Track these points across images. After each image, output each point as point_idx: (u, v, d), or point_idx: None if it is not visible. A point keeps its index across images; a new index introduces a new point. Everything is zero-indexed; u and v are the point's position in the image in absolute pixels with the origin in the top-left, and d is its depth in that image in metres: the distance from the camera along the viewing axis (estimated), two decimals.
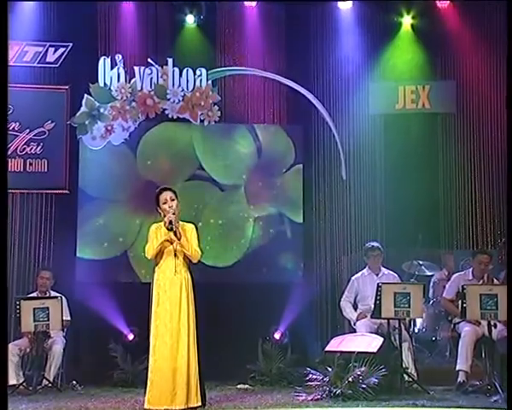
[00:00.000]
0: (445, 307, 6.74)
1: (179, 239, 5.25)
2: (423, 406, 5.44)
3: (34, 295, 6.85)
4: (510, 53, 5.60)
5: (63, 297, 6.57)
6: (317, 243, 7.86)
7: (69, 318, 6.80)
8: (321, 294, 7.74)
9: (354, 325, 6.64)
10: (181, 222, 5.43)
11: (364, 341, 5.97)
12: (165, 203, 5.38)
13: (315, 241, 7.86)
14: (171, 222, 5.26)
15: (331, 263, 7.83)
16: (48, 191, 7.60)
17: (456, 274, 6.72)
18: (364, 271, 6.87)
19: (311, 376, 5.79)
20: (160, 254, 5.41)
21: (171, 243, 5.35)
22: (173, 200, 5.37)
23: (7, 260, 4.85)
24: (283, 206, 7.93)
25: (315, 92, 7.93)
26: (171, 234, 5.28)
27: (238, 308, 7.43)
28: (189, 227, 5.45)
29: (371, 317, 6.40)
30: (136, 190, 7.80)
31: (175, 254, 5.36)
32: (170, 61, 7.79)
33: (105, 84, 7.73)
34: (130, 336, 7.38)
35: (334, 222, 7.90)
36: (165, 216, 5.38)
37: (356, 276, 6.85)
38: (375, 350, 5.80)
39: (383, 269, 6.86)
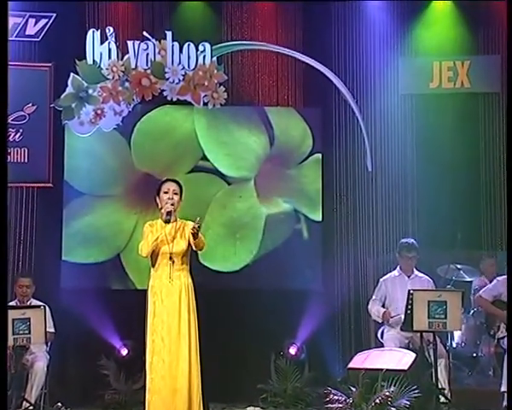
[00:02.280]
0: (484, 308, 6.69)
1: (195, 238, 5.23)
2: None
3: (13, 304, 6.83)
4: (510, 53, 5.92)
5: (46, 307, 6.57)
6: (338, 245, 7.87)
7: (53, 330, 6.80)
8: (343, 302, 7.74)
9: (381, 336, 6.65)
10: (181, 220, 5.46)
11: (393, 357, 5.97)
12: (166, 193, 5.42)
13: (336, 242, 7.87)
14: (169, 213, 5.30)
15: (355, 267, 7.82)
16: (28, 185, 7.59)
17: (502, 277, 6.66)
18: (395, 272, 6.91)
19: (331, 397, 5.75)
20: (155, 256, 5.43)
21: (167, 243, 5.38)
22: (176, 194, 5.42)
23: (7, 260, 4.90)
24: (299, 202, 7.94)
25: (335, 70, 7.90)
26: (190, 236, 5.28)
27: (247, 319, 7.44)
28: (189, 226, 5.44)
29: (401, 329, 6.40)
30: (130, 184, 7.82)
31: (170, 257, 5.38)
32: (169, 34, 7.76)
33: (94, 61, 7.71)
34: (124, 352, 7.39)
35: (357, 220, 7.89)
36: (162, 208, 5.43)
37: (385, 277, 6.90)
38: (405, 368, 5.79)
39: (416, 271, 6.88)
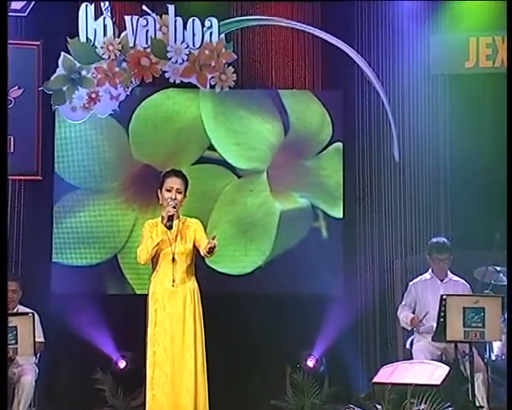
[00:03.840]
0: None
1: (210, 253, 5.26)
2: None
3: None
4: (510, 52, 6.25)
5: (35, 314, 6.55)
6: (362, 244, 7.85)
7: (42, 339, 6.80)
8: (367, 309, 7.74)
9: (410, 347, 6.64)
10: (184, 217, 5.48)
11: (424, 370, 5.94)
12: (168, 191, 5.42)
13: (359, 241, 7.85)
14: (170, 218, 5.31)
15: (380, 270, 7.81)
16: (14, 177, 7.54)
17: None
18: (426, 275, 6.91)
19: None
20: (156, 259, 5.43)
21: (169, 243, 5.37)
22: (180, 192, 5.42)
23: (7, 260, 4.87)
24: (317, 197, 7.96)
25: (358, 48, 7.86)
26: (202, 250, 5.33)
27: (259, 328, 7.45)
28: (193, 223, 5.47)
29: (433, 339, 6.37)
30: (128, 177, 7.85)
31: (173, 259, 5.36)
32: (171, 8, 7.75)
33: (87, 39, 7.70)
34: (122, 364, 7.42)
35: (383, 217, 7.87)
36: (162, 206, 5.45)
37: (415, 281, 6.91)
38: (438, 382, 5.76)
39: (450, 274, 6.88)
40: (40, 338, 6.70)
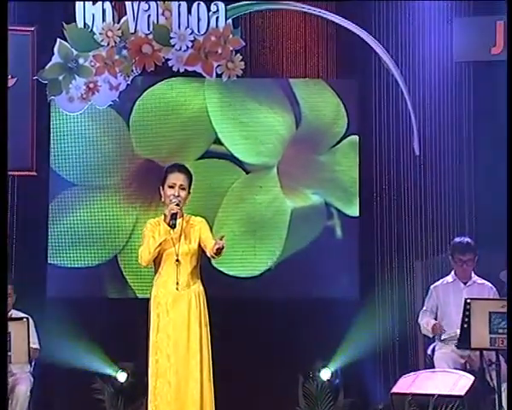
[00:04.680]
0: None
1: (217, 253, 5.28)
2: None
3: None
4: (510, 52, 6.31)
5: (30, 319, 6.58)
6: (379, 245, 7.83)
7: (38, 346, 6.81)
8: (385, 315, 7.72)
9: (432, 355, 6.63)
10: (188, 215, 5.50)
11: (447, 380, 5.98)
12: (171, 188, 5.42)
13: (376, 241, 7.84)
14: (173, 217, 5.30)
15: (399, 271, 7.79)
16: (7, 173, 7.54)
17: None
18: (448, 277, 6.93)
19: None
20: (158, 260, 5.42)
21: (173, 245, 5.37)
22: (183, 189, 5.43)
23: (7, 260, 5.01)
24: (332, 194, 7.96)
25: (375, 33, 7.82)
26: (208, 250, 5.34)
27: (270, 334, 7.47)
28: (198, 222, 5.48)
29: (456, 346, 6.38)
30: (129, 173, 7.86)
31: (177, 260, 5.36)
32: None
33: (85, 24, 7.67)
34: (122, 373, 7.41)
35: (402, 215, 7.84)
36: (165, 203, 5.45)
37: (436, 284, 6.93)
38: (462, 393, 5.80)
39: (475, 277, 6.89)
40: (35, 345, 6.72)
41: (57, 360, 7.19)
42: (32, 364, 6.75)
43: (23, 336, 6.29)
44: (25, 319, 6.40)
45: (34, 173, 7.64)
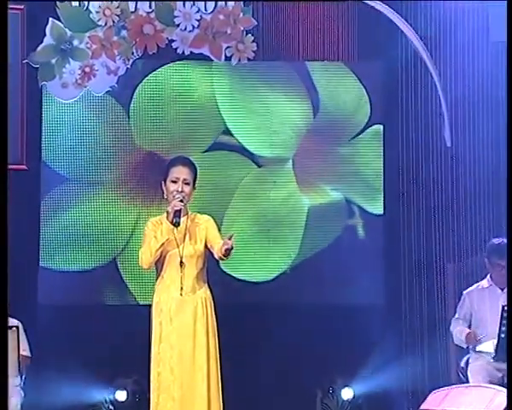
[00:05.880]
0: None
1: (226, 254, 5.30)
2: None
3: None
4: (510, 52, 6.46)
5: (20, 326, 6.63)
6: (406, 245, 7.83)
7: (28, 353, 6.83)
8: (412, 323, 7.72)
9: (466, 368, 6.63)
10: (194, 213, 5.53)
11: (482, 396, 5.77)
12: (174, 183, 5.44)
13: (402, 242, 7.83)
14: (177, 214, 5.31)
15: (428, 275, 7.78)
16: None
17: None
18: (484, 282, 6.91)
19: None
20: (161, 263, 5.44)
21: (177, 246, 5.39)
22: (187, 183, 5.46)
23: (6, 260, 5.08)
24: (353, 189, 8.00)
25: (402, 11, 7.77)
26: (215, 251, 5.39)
27: (284, 345, 7.47)
28: (204, 220, 5.50)
29: (493, 358, 6.43)
30: (129, 167, 7.88)
31: (181, 262, 5.36)
32: None
33: (80, 2, 7.64)
34: (122, 388, 7.48)
35: (432, 212, 7.83)
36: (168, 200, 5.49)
37: (470, 290, 6.92)
38: None
39: None
40: (25, 351, 6.74)
41: (48, 375, 7.22)
42: (23, 378, 6.73)
43: (13, 346, 6.22)
44: (14, 329, 6.39)
45: (24, 167, 7.61)
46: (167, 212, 5.37)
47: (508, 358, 5.70)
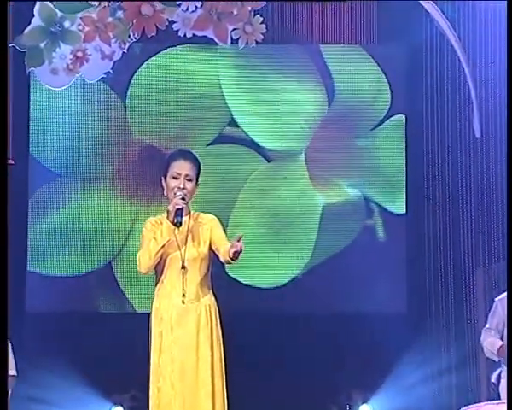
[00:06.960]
0: None
1: (235, 258, 5.26)
2: None
3: None
4: (510, 53, 6.65)
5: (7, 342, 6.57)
6: (431, 248, 7.83)
7: (14, 372, 6.77)
8: (438, 333, 7.72)
9: (497, 382, 6.52)
10: (197, 213, 5.48)
11: None
12: (175, 179, 5.39)
13: (427, 244, 7.85)
14: (178, 213, 5.25)
15: (455, 280, 7.78)
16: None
17: None
18: None
19: None
20: (161, 267, 5.39)
21: (179, 248, 5.35)
22: (190, 180, 5.41)
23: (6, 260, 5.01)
24: (372, 186, 8.03)
25: None
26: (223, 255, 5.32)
27: (296, 356, 7.49)
28: (208, 220, 5.45)
29: None
30: (126, 162, 7.93)
31: (183, 266, 5.31)
32: None
33: None
34: (119, 405, 7.58)
35: (459, 211, 7.82)
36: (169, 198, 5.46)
37: (502, 296, 6.76)
38: None
39: None
40: (12, 371, 6.67)
41: (35, 393, 7.24)
42: (9, 395, 6.62)
43: None
44: None
45: (10, 162, 7.46)
46: (168, 211, 5.30)
47: (508, 358, 5.75)
